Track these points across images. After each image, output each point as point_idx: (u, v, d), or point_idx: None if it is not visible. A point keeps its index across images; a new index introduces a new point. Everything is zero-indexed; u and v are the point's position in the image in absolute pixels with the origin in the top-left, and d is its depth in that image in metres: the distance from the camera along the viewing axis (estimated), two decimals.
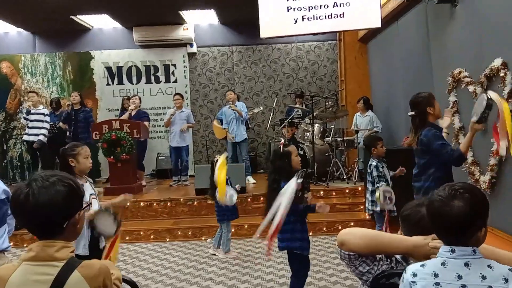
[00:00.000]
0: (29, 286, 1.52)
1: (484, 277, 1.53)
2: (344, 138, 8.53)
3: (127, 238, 6.73)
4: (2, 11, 8.65)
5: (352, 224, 6.66)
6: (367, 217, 6.69)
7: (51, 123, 8.67)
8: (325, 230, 6.69)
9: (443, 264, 1.57)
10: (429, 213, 1.62)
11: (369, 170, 5.19)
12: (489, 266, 1.55)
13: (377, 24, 5.91)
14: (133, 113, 8.45)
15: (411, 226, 1.80)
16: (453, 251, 1.57)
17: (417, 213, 1.80)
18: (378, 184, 4.93)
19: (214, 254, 5.85)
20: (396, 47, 7.60)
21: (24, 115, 8.24)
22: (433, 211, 1.60)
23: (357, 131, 8.19)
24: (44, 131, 8.28)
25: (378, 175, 5.03)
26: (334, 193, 7.58)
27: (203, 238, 6.65)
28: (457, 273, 1.54)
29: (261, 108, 9.63)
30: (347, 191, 7.59)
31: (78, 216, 1.62)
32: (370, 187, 5.23)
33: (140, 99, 8.75)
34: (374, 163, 5.11)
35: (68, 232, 1.60)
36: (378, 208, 5.02)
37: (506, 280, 1.52)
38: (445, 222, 1.58)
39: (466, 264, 1.55)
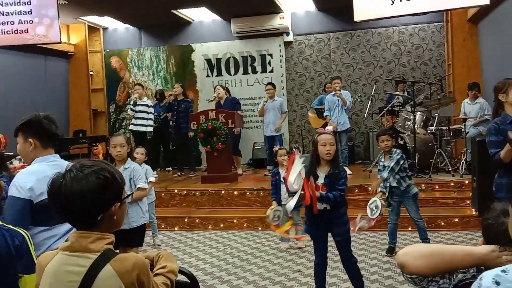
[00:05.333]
0: (62, 276, 1.50)
1: None
2: (451, 127, 7.89)
3: (221, 225, 6.85)
4: (111, 8, 9.25)
5: (456, 220, 6.14)
6: (474, 213, 6.13)
7: (155, 113, 9.12)
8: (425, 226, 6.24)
9: None
10: None
11: (398, 157, 5.03)
12: None
13: (485, 0, 5.31)
14: (222, 102, 8.63)
15: (490, 238, 1.54)
16: None
17: (500, 225, 1.52)
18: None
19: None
20: (510, 27, 6.82)
21: (131, 107, 8.72)
22: None
23: (465, 120, 7.53)
24: (151, 122, 8.74)
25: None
26: (437, 187, 7.07)
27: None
28: None
29: (358, 97, 9.27)
30: (452, 184, 7.03)
31: (115, 208, 1.57)
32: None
33: (222, 87, 9.01)
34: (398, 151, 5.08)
35: (104, 224, 1.56)
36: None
37: None
38: None
39: None
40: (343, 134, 8.19)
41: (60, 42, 7.78)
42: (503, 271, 1.34)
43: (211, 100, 9.13)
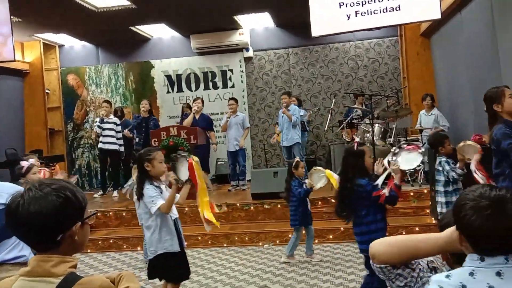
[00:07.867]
0: None
1: None
2: (408, 138, 8.11)
3: (185, 243, 6.73)
4: (67, 25, 9.06)
5: (417, 229, 6.28)
6: (433, 222, 6.28)
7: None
8: (387, 236, 6.35)
9: (471, 274, 1.38)
10: (471, 220, 1.39)
11: (440, 168, 4.67)
12: None
13: (437, 15, 5.51)
14: (197, 116, 8.55)
15: None
16: (482, 260, 1.39)
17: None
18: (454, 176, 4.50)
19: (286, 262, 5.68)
20: (460, 40, 7.12)
21: (98, 123, 8.54)
22: (484, 217, 1.38)
23: (421, 130, 7.76)
24: (121, 142, 8.67)
25: (452, 169, 4.52)
26: None
27: (260, 244, 6.53)
28: (488, 284, 1.35)
29: (316, 110, 9.52)
30: (411, 194, 7.19)
31: (76, 228, 1.50)
32: (441, 188, 4.73)
33: (203, 102, 8.87)
34: (443, 159, 4.63)
35: (65, 246, 1.49)
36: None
37: None
38: (501, 230, 1.36)
39: (498, 274, 1.36)
40: (295, 148, 8.30)
41: (14, 60, 7.53)
42: (447, 276, 1.41)
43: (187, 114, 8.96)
